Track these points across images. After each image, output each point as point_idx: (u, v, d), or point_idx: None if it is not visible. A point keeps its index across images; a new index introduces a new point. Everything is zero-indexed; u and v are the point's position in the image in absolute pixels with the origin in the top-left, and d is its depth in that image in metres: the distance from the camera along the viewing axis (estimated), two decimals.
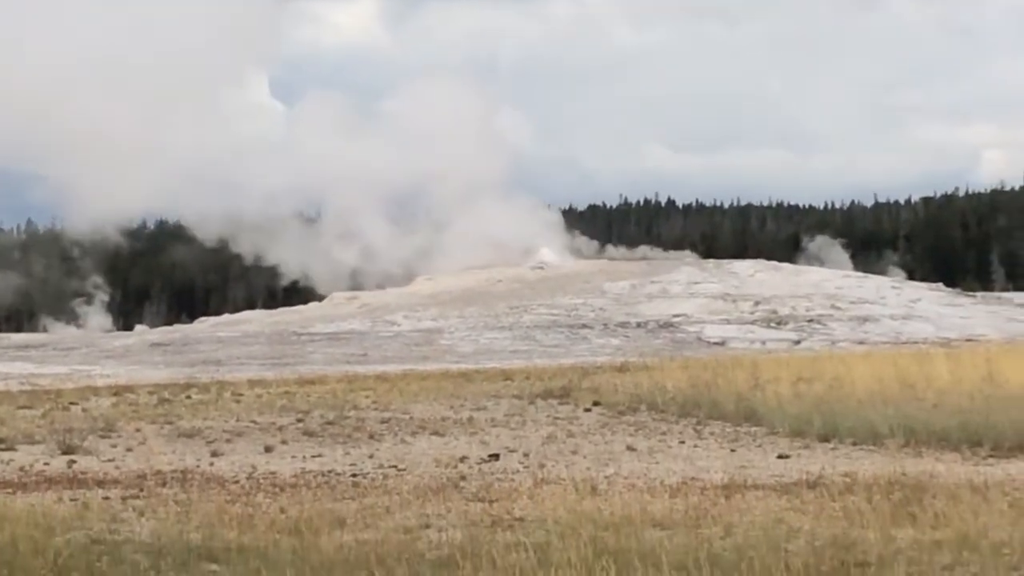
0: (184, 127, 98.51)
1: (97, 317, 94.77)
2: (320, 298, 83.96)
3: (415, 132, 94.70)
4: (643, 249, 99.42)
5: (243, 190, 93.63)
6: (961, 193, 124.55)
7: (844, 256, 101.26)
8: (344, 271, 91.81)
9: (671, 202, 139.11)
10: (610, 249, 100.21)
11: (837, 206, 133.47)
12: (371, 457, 17.49)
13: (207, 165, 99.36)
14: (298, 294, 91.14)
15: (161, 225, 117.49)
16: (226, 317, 78.62)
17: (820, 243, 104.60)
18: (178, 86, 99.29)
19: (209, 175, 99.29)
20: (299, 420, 22.94)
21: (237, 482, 14.69)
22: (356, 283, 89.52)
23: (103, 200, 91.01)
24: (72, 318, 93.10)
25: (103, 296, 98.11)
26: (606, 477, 14.63)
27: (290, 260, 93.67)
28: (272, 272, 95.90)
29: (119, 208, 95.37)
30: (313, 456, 17.72)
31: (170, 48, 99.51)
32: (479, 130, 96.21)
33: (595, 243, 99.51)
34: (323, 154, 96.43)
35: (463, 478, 14.75)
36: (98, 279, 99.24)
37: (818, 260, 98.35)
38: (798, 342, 56.38)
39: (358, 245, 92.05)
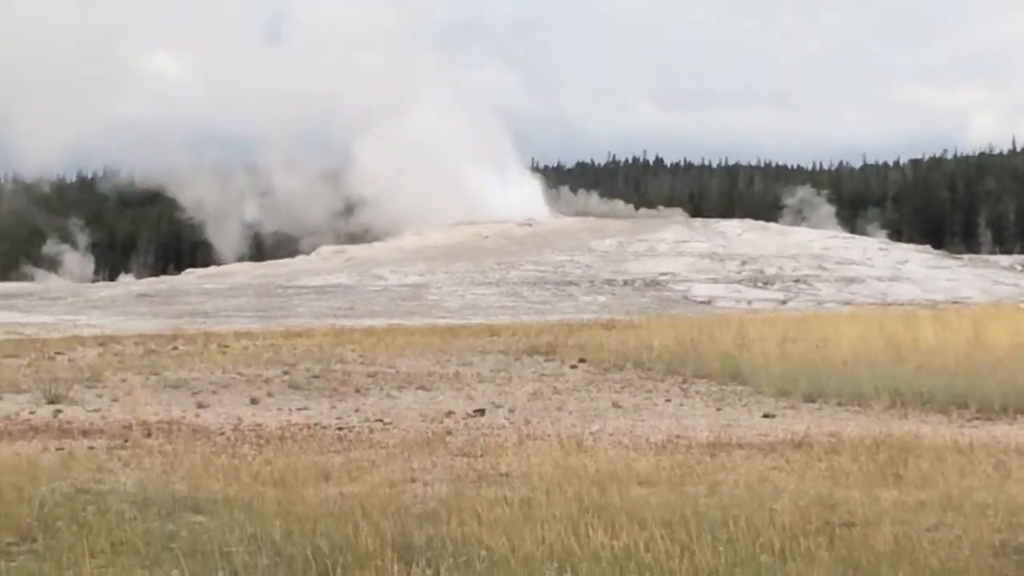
0: (114, 75, 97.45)
1: (75, 258, 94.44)
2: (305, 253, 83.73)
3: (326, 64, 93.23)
4: (644, 210, 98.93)
5: (170, 139, 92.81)
6: (949, 156, 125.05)
7: (829, 210, 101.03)
8: (248, 232, 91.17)
9: (659, 160, 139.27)
10: (601, 202, 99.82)
11: (825, 167, 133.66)
12: (357, 411, 17.48)
13: (129, 115, 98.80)
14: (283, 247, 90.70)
15: (82, 178, 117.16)
16: (213, 269, 78.54)
17: (802, 197, 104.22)
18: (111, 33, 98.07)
19: (132, 124, 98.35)
20: (285, 373, 22.93)
21: (223, 434, 14.67)
22: (258, 249, 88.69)
23: (33, 149, 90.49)
24: (53, 266, 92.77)
25: (83, 240, 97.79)
26: (591, 433, 14.63)
27: (200, 214, 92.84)
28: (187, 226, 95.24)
29: (49, 157, 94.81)
30: (299, 409, 17.70)
31: None
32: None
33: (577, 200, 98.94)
34: (249, 102, 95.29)
35: (449, 433, 14.74)
36: (78, 221, 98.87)
37: (800, 215, 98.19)
38: (784, 302, 56.49)
39: (271, 201, 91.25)
